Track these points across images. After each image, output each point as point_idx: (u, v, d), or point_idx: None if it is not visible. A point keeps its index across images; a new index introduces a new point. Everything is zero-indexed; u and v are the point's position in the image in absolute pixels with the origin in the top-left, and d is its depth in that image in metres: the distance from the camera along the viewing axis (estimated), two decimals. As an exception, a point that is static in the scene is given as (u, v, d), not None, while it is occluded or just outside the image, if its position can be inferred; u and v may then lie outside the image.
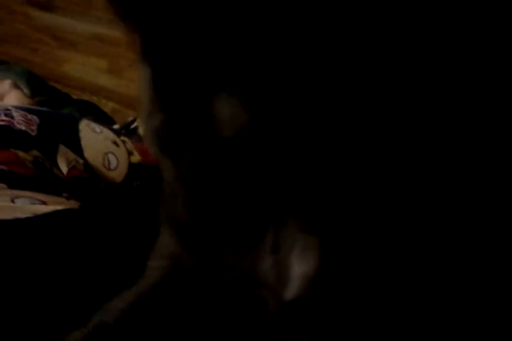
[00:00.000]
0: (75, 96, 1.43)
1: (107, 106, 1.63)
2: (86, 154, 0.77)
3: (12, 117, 0.75)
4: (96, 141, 0.80)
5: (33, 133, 0.73)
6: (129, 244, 0.54)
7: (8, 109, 0.77)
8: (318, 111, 0.27)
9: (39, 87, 1.32)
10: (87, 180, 0.73)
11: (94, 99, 1.63)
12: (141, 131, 1.07)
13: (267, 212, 0.31)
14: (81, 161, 0.75)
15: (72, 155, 0.74)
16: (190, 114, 0.30)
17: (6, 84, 1.15)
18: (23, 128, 0.73)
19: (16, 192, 0.61)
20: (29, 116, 0.78)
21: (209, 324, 0.42)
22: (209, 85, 0.28)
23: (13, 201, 0.59)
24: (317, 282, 0.30)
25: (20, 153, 0.68)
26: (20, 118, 0.76)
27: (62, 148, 0.74)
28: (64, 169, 0.72)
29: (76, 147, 0.77)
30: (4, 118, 0.73)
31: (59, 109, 1.16)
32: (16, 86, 1.16)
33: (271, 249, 0.32)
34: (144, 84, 0.33)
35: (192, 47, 0.29)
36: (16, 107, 0.81)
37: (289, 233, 0.31)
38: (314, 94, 0.27)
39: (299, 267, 0.30)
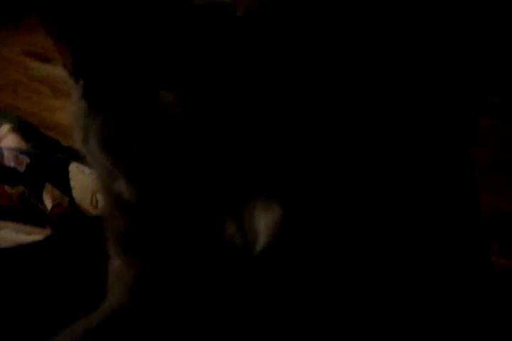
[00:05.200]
0: (65, 144, 1.47)
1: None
2: (74, 193, 0.80)
3: (2, 155, 0.78)
4: (85, 181, 0.83)
5: (21, 170, 0.76)
6: (93, 270, 0.54)
7: (-1, 148, 0.81)
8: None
9: (30, 133, 1.37)
10: (70, 216, 0.76)
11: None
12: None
13: (222, 193, 0.34)
14: (66, 199, 0.77)
15: (57, 193, 0.77)
16: (133, 107, 0.34)
17: (5, 128, 1.20)
18: (12, 165, 0.76)
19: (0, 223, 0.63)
20: (20, 156, 0.82)
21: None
22: (150, 81, 0.33)
23: (-4, 231, 0.61)
24: (282, 228, 0.33)
25: (7, 188, 0.71)
26: (11, 156, 0.79)
27: (48, 186, 0.77)
28: (49, 205, 0.74)
29: (64, 186, 0.80)
30: (-6, 155, 0.77)
31: (49, 154, 1.20)
32: (14, 130, 1.21)
33: (233, 217, 0.34)
34: (77, 96, 0.37)
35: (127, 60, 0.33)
36: (8, 148, 0.85)
37: (248, 200, 0.33)
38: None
39: (264, 219, 0.33)
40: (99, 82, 0.35)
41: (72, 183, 0.81)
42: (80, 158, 1.22)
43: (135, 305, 0.43)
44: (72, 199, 0.79)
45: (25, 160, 0.81)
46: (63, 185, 0.80)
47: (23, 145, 1.15)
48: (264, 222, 0.33)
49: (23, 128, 1.34)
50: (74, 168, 0.85)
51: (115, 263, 0.45)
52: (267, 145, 0.32)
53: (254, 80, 0.31)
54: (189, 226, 0.37)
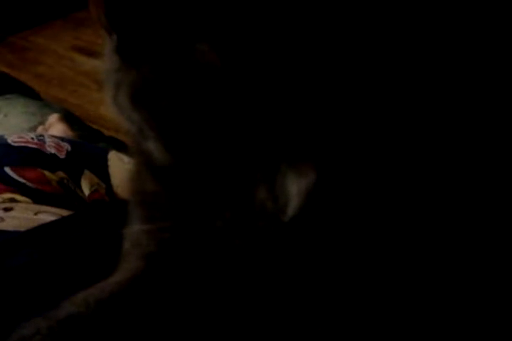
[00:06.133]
0: (107, 135, 1.50)
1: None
2: (113, 180, 0.82)
3: (44, 142, 0.80)
4: (123, 169, 0.85)
5: (62, 157, 0.78)
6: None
7: (41, 135, 0.83)
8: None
9: (74, 124, 1.40)
10: (107, 203, 0.77)
11: (127, 140, 1.68)
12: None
13: (255, 155, 0.33)
14: (103, 186, 0.79)
15: (95, 180, 0.79)
16: (166, 59, 0.33)
17: (53, 117, 1.23)
18: (53, 151, 0.78)
19: (39, 207, 0.65)
20: (61, 143, 0.83)
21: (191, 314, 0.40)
22: (187, 35, 0.32)
23: (36, 214, 0.63)
24: (314, 195, 0.32)
25: (47, 173, 0.72)
26: (52, 143, 0.81)
27: (86, 173, 0.79)
28: (86, 191, 0.76)
29: (103, 173, 0.82)
30: (37, 141, 0.79)
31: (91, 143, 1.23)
32: (62, 120, 1.24)
33: (265, 181, 0.33)
34: (109, 51, 0.37)
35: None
36: (51, 135, 0.87)
37: (282, 164, 0.32)
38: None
39: (297, 184, 0.32)
40: (132, 35, 0.35)
41: (110, 171, 0.83)
42: (120, 147, 1.25)
43: (151, 274, 0.41)
44: (109, 187, 0.81)
45: (66, 147, 0.82)
46: (102, 172, 0.82)
47: (69, 134, 1.19)
48: (296, 188, 0.32)
49: (68, 119, 1.37)
50: (113, 156, 0.87)
51: (135, 228, 0.44)
52: (302, 104, 0.31)
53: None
54: (220, 190, 0.36)
